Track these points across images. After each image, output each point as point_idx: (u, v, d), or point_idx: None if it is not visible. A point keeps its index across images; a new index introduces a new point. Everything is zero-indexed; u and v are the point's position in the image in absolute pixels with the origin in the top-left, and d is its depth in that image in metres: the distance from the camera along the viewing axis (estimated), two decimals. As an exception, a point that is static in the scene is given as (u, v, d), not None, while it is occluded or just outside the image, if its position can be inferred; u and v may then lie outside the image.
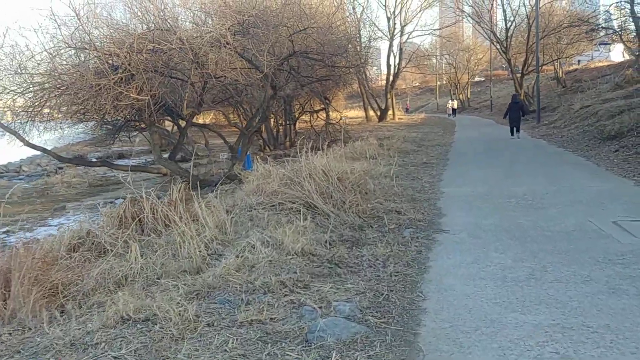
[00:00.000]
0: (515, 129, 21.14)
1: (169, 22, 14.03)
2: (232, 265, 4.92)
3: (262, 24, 14.11)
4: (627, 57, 51.68)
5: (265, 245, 5.46)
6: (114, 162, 23.09)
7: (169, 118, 17.26)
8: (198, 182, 13.81)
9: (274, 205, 7.26)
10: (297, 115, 24.51)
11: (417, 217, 7.13)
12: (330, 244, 5.65)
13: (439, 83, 71.33)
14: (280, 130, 26.28)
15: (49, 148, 33.65)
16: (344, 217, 6.92)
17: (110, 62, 13.98)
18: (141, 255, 5.74)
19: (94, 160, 25.53)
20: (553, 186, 9.30)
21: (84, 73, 13.07)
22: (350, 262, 5.17)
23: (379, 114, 39.89)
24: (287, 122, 25.06)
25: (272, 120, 26.02)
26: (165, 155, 16.45)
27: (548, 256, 5.24)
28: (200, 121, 42.56)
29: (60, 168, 25.51)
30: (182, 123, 17.29)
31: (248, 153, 17.38)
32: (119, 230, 6.84)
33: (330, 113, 25.05)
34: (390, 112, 40.77)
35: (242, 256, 5.19)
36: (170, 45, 13.62)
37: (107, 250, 6.28)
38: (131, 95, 12.73)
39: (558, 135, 20.18)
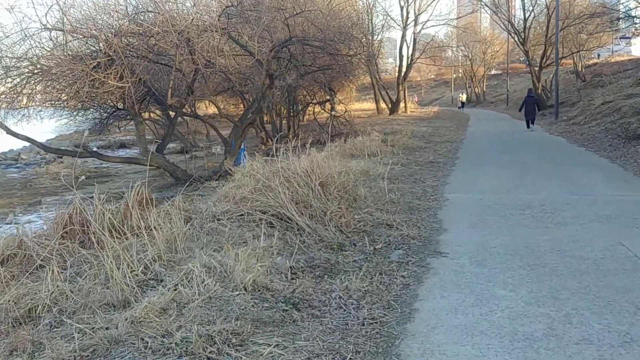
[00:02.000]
0: (530, 121, 22.19)
1: (155, 2, 12.89)
2: (157, 304, 3.76)
3: (255, 5, 12.93)
4: (649, 51, 49.91)
5: (210, 273, 4.30)
6: (105, 153, 22.08)
7: (159, 107, 16.14)
8: (180, 177, 12.65)
9: (242, 215, 6.09)
10: (300, 108, 23.27)
11: (412, 234, 5.92)
12: (293, 273, 4.47)
13: (454, 75, 69.67)
14: (284, 122, 25.11)
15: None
16: (322, 233, 5.73)
17: (89, 45, 12.93)
18: (68, 277, 4.65)
19: (89, 150, 24.53)
20: (575, 194, 8.03)
21: (61, 57, 12.02)
22: (314, 301, 3.99)
23: (390, 106, 38.53)
24: (291, 115, 23.86)
25: (274, 112, 24.89)
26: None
27: (572, 298, 4.02)
28: (207, 111, 41.67)
29: (60, 157, 24.53)
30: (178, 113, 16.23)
31: (242, 147, 16.24)
32: (63, 240, 5.72)
33: (337, 105, 23.78)
34: (402, 104, 39.38)
35: (176, 289, 4.05)
36: (152, 28, 12.50)
37: (40, 265, 5.17)
38: (109, 82, 11.63)
39: (578, 132, 18.79)
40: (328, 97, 22.61)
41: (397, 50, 40.35)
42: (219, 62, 13.23)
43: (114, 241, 5.18)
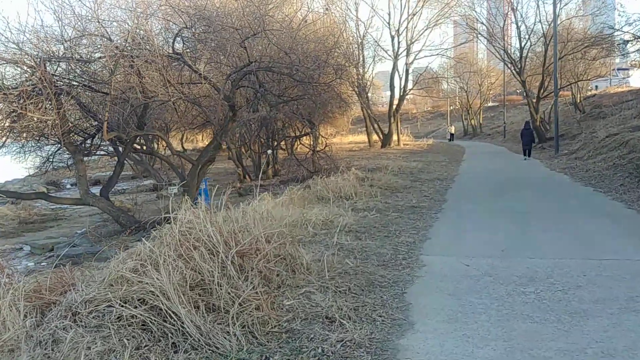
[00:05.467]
0: (527, 151, 24.28)
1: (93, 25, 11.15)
2: None
3: (208, 26, 11.21)
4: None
5: None
6: (56, 195, 20.22)
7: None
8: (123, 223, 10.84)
9: (111, 307, 4.13)
10: (275, 143, 21.48)
11: (359, 337, 3.95)
12: None
13: (450, 108, 68.41)
14: (263, 158, 23.27)
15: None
16: (219, 340, 3.77)
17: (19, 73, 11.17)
18: None
19: (36, 192, 22.77)
20: (591, 258, 6.08)
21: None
22: None
23: (382, 139, 36.80)
24: (269, 149, 22.04)
25: (255, 146, 23.11)
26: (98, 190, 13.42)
27: None
28: (187, 146, 39.85)
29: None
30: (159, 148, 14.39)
31: (204, 187, 14.33)
32: None
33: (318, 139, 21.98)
34: (395, 137, 37.66)
35: None
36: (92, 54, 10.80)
37: None
38: (28, 114, 9.80)
39: (582, 168, 16.91)
40: (308, 131, 20.80)
41: (389, 81, 38.74)
42: (173, 92, 11.43)
43: None
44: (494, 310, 4.50)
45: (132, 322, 3.87)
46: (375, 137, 38.16)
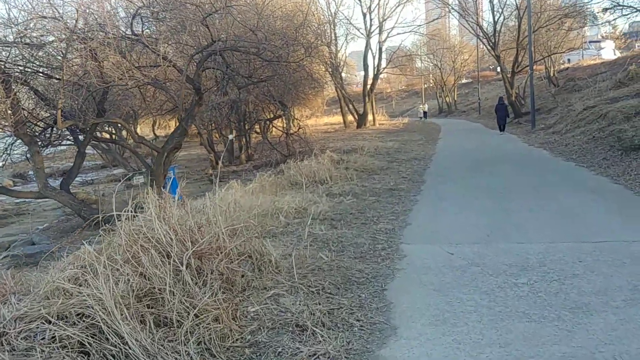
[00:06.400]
0: (502, 126, 25.01)
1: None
2: None
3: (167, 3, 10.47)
4: (618, 54, 48.80)
5: None
6: (19, 188, 19.31)
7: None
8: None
9: (45, 325, 3.53)
10: (247, 127, 20.78)
11: (333, 350, 3.41)
12: None
13: (425, 85, 68.01)
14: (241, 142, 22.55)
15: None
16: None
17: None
18: None
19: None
20: (585, 241, 5.62)
21: None
22: None
23: (357, 119, 36.25)
24: (241, 134, 21.34)
25: (227, 131, 22.37)
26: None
27: None
28: (161, 133, 38.78)
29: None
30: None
31: (172, 176, 13.64)
32: None
33: (292, 121, 21.34)
34: (370, 117, 37.15)
35: None
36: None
37: None
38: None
39: (561, 142, 16.58)
40: (281, 113, 20.13)
41: (362, 60, 38.07)
42: (133, 76, 10.72)
43: None
44: (485, 308, 4.00)
45: (66, 344, 3.29)
46: (350, 117, 37.62)
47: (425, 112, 50.90)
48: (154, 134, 35.49)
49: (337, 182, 10.80)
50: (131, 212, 4.84)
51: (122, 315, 3.38)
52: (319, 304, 4.10)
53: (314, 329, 3.68)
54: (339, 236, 6.33)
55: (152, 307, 3.67)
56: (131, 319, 3.40)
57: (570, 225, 6.41)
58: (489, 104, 42.37)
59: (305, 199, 8.49)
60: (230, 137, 19.36)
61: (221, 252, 4.46)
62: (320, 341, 3.51)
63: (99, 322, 3.36)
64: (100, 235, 4.83)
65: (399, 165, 13.61)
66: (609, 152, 12.28)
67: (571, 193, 8.50)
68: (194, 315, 3.61)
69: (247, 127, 21.53)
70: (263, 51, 12.15)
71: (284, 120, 21.45)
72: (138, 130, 32.08)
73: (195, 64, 12.44)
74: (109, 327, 3.32)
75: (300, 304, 4.06)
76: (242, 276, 4.47)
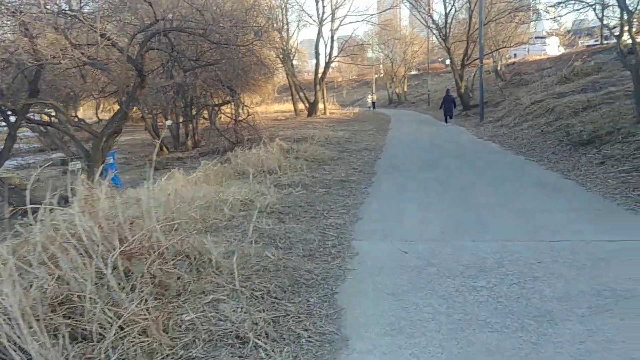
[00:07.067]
0: (448, 117, 26.22)
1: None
2: None
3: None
4: (563, 50, 50.11)
5: None
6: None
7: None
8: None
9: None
10: (195, 112, 20.06)
11: (278, 366, 3.04)
12: None
13: (375, 76, 68.16)
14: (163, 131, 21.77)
15: None
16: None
17: None
18: None
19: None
20: (541, 239, 5.42)
21: None
22: None
23: (308, 108, 35.85)
24: (187, 119, 20.62)
25: (172, 116, 21.60)
26: None
27: None
28: (105, 116, 37.28)
29: None
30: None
31: (111, 162, 12.93)
32: None
33: (240, 108, 20.72)
34: (321, 106, 36.80)
35: None
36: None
37: None
38: None
39: (510, 136, 16.66)
40: (229, 99, 19.50)
41: (314, 48, 37.62)
42: (69, 54, 9.98)
43: None
44: (444, 315, 3.70)
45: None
46: (301, 105, 37.20)
47: (373, 102, 51.00)
48: (97, 117, 34.11)
49: (287, 172, 10.38)
50: (52, 203, 4.31)
51: (30, 328, 2.89)
52: (263, 311, 3.70)
53: (257, 341, 3.29)
54: (287, 231, 5.93)
55: (69, 318, 3.19)
56: (42, 332, 2.91)
57: (525, 222, 6.22)
58: (438, 96, 42.69)
59: (252, 190, 8.04)
60: (168, 123, 18.62)
61: (154, 252, 3.99)
62: (263, 357, 3.11)
63: (1, 337, 2.86)
64: (15, 231, 4.27)
65: (350, 156, 13.31)
66: (558, 146, 12.33)
67: (523, 188, 8.37)
68: (119, 327, 3.15)
69: (194, 113, 20.82)
70: (210, 33, 11.59)
71: (233, 107, 20.83)
72: (80, 113, 30.74)
73: (138, 44, 11.77)
74: (14, 344, 2.83)
75: (242, 311, 3.65)
76: (178, 278, 4.02)
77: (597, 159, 9.99)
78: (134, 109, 20.93)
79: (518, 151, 13.13)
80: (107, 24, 11.62)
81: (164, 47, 13.26)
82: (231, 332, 3.40)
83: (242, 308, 3.71)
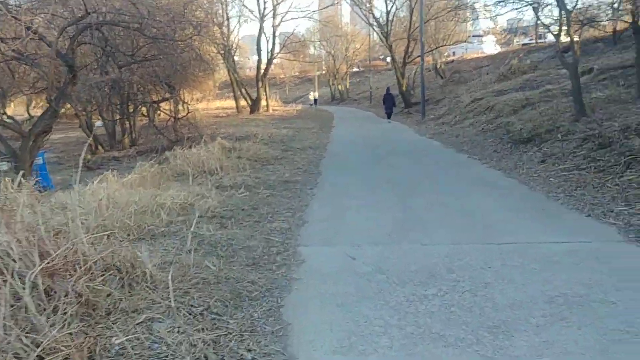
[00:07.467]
0: (389, 115, 26.39)
1: None
2: None
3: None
4: (499, 49, 51.54)
5: None
6: None
7: None
8: None
9: None
10: (132, 109, 19.31)
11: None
12: None
13: (318, 73, 68.17)
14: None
15: None
16: None
17: None
18: None
19: None
20: (489, 241, 5.34)
21: None
22: None
23: (250, 105, 35.35)
24: (124, 117, 19.83)
25: (108, 113, 20.71)
26: None
27: None
28: (37, 113, 35.51)
29: None
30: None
31: (42, 162, 12.19)
32: None
33: (180, 105, 20.13)
34: (264, 103, 36.37)
35: None
36: None
37: None
38: None
39: (452, 134, 16.84)
40: (168, 95, 18.88)
41: (256, 44, 37.11)
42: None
43: None
44: (396, 328, 3.50)
45: None
46: (243, 102, 36.68)
47: (315, 100, 50.91)
48: (29, 114, 32.52)
49: (229, 172, 10.04)
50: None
51: None
52: (203, 330, 3.40)
53: (194, 366, 2.99)
54: (229, 238, 5.62)
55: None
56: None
57: (472, 224, 6.14)
58: (380, 93, 42.98)
59: (192, 193, 7.66)
60: (98, 124, 17.81)
61: (81, 267, 3.62)
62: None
63: None
64: None
65: (294, 155, 13.07)
66: (499, 144, 12.49)
67: (468, 188, 8.35)
68: (37, 356, 2.79)
69: (131, 110, 20.04)
70: (146, 27, 11.07)
71: (172, 104, 20.22)
72: (10, 109, 29.15)
73: (69, 38, 11.13)
74: None
75: (178, 332, 3.34)
76: (108, 296, 3.66)
77: (538, 157, 10.13)
78: (68, 106, 20.01)
79: (460, 149, 13.23)
80: (35, 17, 10.94)
81: (97, 41, 12.61)
82: (166, 356, 3.09)
83: (178, 328, 3.40)
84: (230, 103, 40.86)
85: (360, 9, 34.11)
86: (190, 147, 12.33)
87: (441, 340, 3.31)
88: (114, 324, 3.41)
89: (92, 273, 3.69)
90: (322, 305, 3.96)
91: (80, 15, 10.27)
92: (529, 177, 8.80)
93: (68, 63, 10.76)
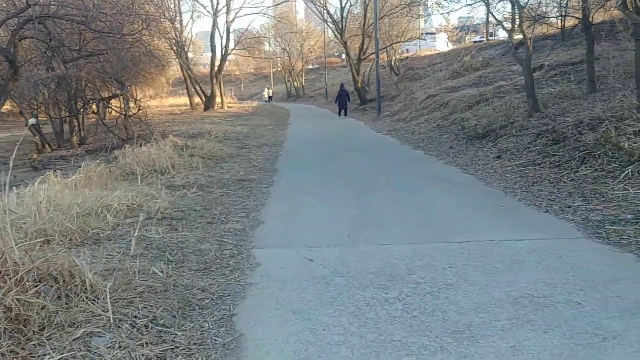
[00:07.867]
0: (343, 111, 27.11)
1: None
2: None
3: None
4: (451, 46, 52.29)
5: None
6: None
7: None
8: None
9: None
10: (81, 106, 18.59)
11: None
12: None
13: (273, 69, 67.78)
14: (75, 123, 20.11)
15: None
16: None
17: None
18: None
19: None
20: (449, 240, 5.20)
21: None
22: None
23: (204, 102, 34.71)
24: (72, 114, 19.06)
25: (55, 111, 19.88)
26: None
27: None
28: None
29: None
30: None
31: (-20, 163, 11.53)
32: None
33: (131, 102, 19.49)
34: (218, 99, 35.78)
35: None
36: None
37: None
38: None
39: (407, 130, 16.84)
40: (118, 92, 18.25)
41: (209, 40, 36.46)
42: None
43: None
44: (356, 337, 3.30)
45: None
46: (197, 99, 36.03)
47: (270, 97, 50.58)
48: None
49: (181, 171, 9.70)
50: None
51: None
52: (147, 345, 3.13)
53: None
54: (179, 241, 5.32)
55: None
56: None
57: (432, 222, 6.02)
58: (335, 90, 42.95)
59: (140, 193, 7.29)
60: (31, 121, 17.07)
61: (11, 278, 3.29)
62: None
63: None
64: None
65: (249, 152, 12.78)
66: (455, 140, 12.50)
67: (425, 184, 8.27)
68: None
69: (79, 107, 19.29)
70: (92, 20, 10.57)
71: (123, 101, 19.57)
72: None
73: (10, 32, 10.55)
74: None
75: (120, 348, 3.06)
76: (42, 309, 3.34)
77: (494, 152, 10.15)
78: (14, 104, 19.12)
79: (417, 145, 13.20)
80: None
81: (40, 35, 12.01)
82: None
83: (120, 343, 3.11)
84: (184, 100, 40.07)
85: (315, 5, 33.93)
86: (141, 145, 11.89)
87: (404, 348, 3.12)
88: (47, 340, 3.09)
89: (23, 284, 3.36)
90: (277, 312, 3.72)
91: (21, 7, 9.70)
92: (485, 172, 8.78)
93: (9, 58, 10.21)
